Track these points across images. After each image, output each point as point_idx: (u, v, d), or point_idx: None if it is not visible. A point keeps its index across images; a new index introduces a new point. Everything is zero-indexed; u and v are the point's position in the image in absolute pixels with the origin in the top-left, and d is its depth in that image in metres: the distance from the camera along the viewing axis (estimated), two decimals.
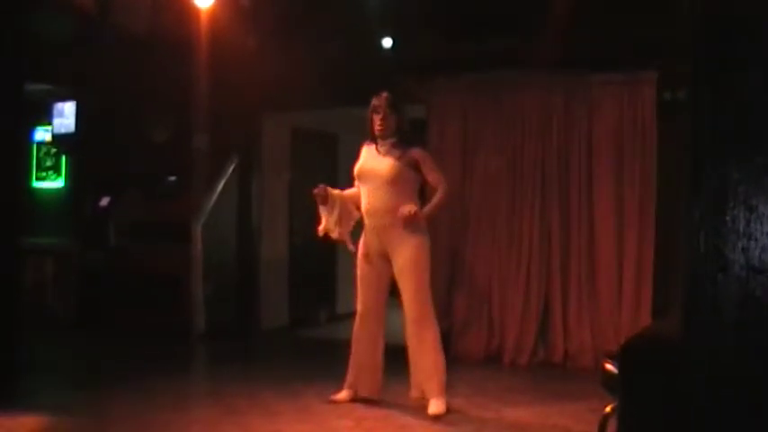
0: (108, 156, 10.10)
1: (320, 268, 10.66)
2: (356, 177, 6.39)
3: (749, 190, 1.54)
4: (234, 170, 9.80)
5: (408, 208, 5.98)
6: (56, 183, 11.40)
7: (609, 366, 3.21)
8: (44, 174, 11.42)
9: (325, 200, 6.36)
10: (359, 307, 6.38)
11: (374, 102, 6.33)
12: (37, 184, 11.45)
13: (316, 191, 6.39)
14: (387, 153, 6.24)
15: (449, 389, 6.15)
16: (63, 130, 10.80)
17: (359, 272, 6.39)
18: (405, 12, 8.60)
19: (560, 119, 8.26)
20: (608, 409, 3.33)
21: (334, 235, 6.40)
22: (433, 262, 6.36)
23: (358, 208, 6.39)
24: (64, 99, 10.75)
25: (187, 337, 9.15)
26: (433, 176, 6.24)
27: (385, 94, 6.34)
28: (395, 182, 6.12)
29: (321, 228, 6.44)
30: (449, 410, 6.02)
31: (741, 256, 1.55)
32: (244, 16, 8.85)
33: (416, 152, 6.26)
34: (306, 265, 10.45)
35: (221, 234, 9.69)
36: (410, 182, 6.21)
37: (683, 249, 1.62)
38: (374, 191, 6.21)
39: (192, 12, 8.55)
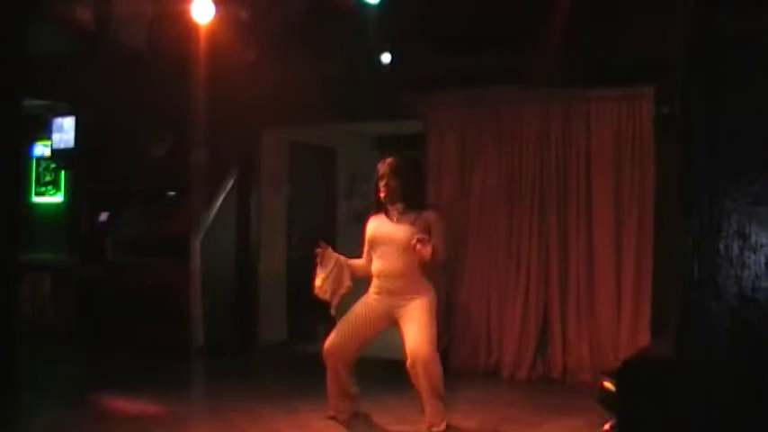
0: (107, 171, 10.12)
1: None
2: (369, 245, 6.33)
3: (742, 219, 1.55)
4: (233, 185, 9.81)
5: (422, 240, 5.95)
6: (55, 198, 11.40)
7: (607, 384, 3.21)
8: (43, 189, 11.43)
9: (324, 259, 6.25)
10: (326, 345, 6.20)
11: (379, 167, 6.35)
12: (36, 199, 11.46)
13: (317, 250, 6.28)
14: (399, 219, 6.23)
15: (448, 404, 6.14)
16: (62, 146, 10.82)
17: (351, 313, 6.29)
18: (403, 27, 8.62)
19: (558, 134, 8.27)
20: (606, 426, 3.33)
21: (326, 297, 6.31)
22: (432, 274, 6.35)
23: (353, 277, 6.34)
24: (63, 114, 10.77)
25: (185, 352, 9.14)
26: (437, 240, 6.16)
27: (389, 160, 6.35)
28: (408, 248, 6.08)
29: (316, 287, 6.34)
30: (448, 426, 6.01)
31: (734, 285, 1.55)
32: (242, 32, 8.87)
33: (430, 215, 6.24)
34: (305, 280, 10.39)
35: (220, 249, 9.69)
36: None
37: (677, 277, 1.63)
38: (388, 256, 6.18)
39: (191, 27, 8.56)
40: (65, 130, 10.80)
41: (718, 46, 1.67)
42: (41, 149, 11.29)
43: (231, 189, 9.80)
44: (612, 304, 8.03)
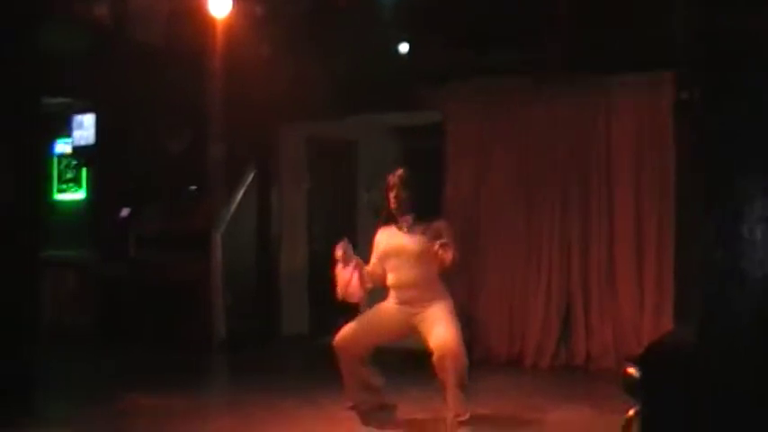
0: (128, 167, 10.17)
1: None
2: (381, 257, 6.30)
3: (765, 204, 1.55)
4: (252, 179, 9.84)
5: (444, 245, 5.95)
6: (77, 195, 11.46)
7: (630, 370, 3.20)
8: (65, 186, 11.49)
9: (346, 258, 6.17)
10: (337, 338, 6.17)
11: (389, 179, 6.35)
12: (58, 197, 11.52)
13: (339, 248, 6.18)
14: (410, 230, 6.23)
15: (471, 393, 6.14)
16: (83, 143, 10.87)
17: (369, 312, 6.28)
18: (419, 19, 8.61)
19: (578, 123, 8.24)
20: (630, 412, 3.33)
21: (354, 299, 6.25)
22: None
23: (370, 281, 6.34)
24: (83, 111, 10.81)
25: (208, 346, 9.17)
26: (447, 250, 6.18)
27: (399, 172, 6.35)
28: (424, 257, 6.09)
29: (340, 291, 6.25)
30: (472, 415, 6.01)
31: (758, 269, 1.55)
32: (259, 26, 8.88)
33: (440, 224, 6.23)
34: (325, 273, 10.42)
35: (241, 243, 9.72)
36: (434, 254, 6.18)
37: (700, 262, 1.63)
38: (403, 267, 6.17)
39: (208, 23, 8.58)
40: (85, 127, 10.85)
41: (733, 36, 1.66)
42: (62, 147, 11.34)
43: (251, 183, 9.83)
44: (635, 290, 8.01)
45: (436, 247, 5.89)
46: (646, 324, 7.85)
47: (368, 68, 8.94)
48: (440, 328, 5.94)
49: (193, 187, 9.91)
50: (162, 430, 6.01)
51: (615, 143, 8.11)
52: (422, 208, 6.27)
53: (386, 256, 6.29)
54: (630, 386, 3.18)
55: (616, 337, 8.05)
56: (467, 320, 8.27)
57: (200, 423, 6.20)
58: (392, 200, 6.28)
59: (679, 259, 7.75)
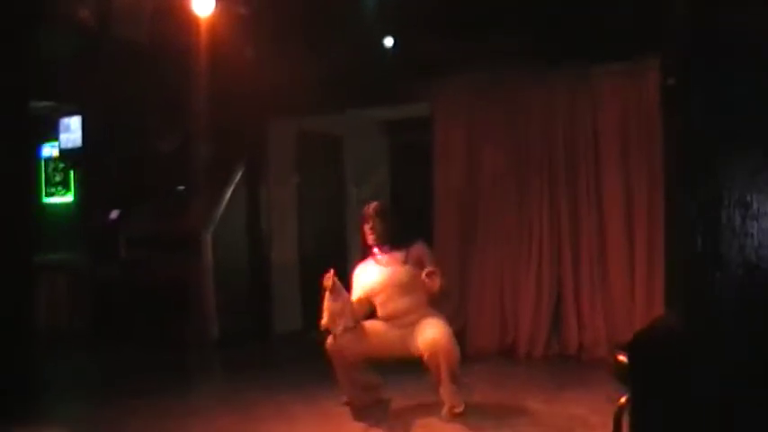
0: (115, 169, 10.15)
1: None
2: (366, 296, 6.32)
3: (743, 188, 1.56)
4: (241, 177, 9.83)
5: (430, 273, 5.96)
6: (65, 198, 11.45)
7: (621, 358, 3.21)
8: (53, 189, 11.48)
9: (334, 291, 6.09)
10: (329, 342, 6.13)
11: (365, 211, 6.41)
12: (47, 200, 11.50)
13: (326, 279, 6.11)
14: (389, 261, 6.28)
15: (465, 385, 6.16)
16: (70, 145, 10.85)
17: (366, 323, 6.31)
18: (406, 11, 8.61)
19: (565, 112, 8.26)
20: (622, 400, 3.34)
21: (338, 331, 6.12)
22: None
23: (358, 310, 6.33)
24: (69, 114, 10.79)
25: (201, 345, 9.18)
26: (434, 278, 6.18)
27: (374, 204, 6.44)
28: (408, 286, 6.14)
29: (324, 322, 6.15)
30: (466, 406, 6.04)
31: (738, 255, 1.56)
32: (244, 23, 8.87)
33: (417, 249, 6.28)
34: (317, 268, 10.42)
35: (231, 241, 9.72)
36: (420, 280, 6.20)
37: (681, 246, 1.64)
38: (391, 300, 6.24)
39: (192, 21, 8.56)
40: (71, 130, 10.83)
41: (716, 20, 1.67)
42: (50, 150, 11.32)
43: (240, 181, 9.82)
44: (626, 279, 8.04)
45: (423, 276, 5.92)
46: (638, 313, 7.86)
47: (355, 63, 8.93)
48: (429, 328, 5.98)
49: (182, 187, 9.90)
50: (158, 429, 6.01)
51: (603, 132, 8.12)
52: (399, 237, 6.31)
53: (372, 294, 6.31)
54: (622, 374, 3.18)
55: (608, 327, 8.07)
56: (459, 312, 8.34)
57: (195, 421, 6.21)
58: (368, 231, 6.32)
59: (669, 247, 7.77)
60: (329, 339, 6.16)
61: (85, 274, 10.32)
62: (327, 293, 6.11)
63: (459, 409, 5.98)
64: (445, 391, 5.97)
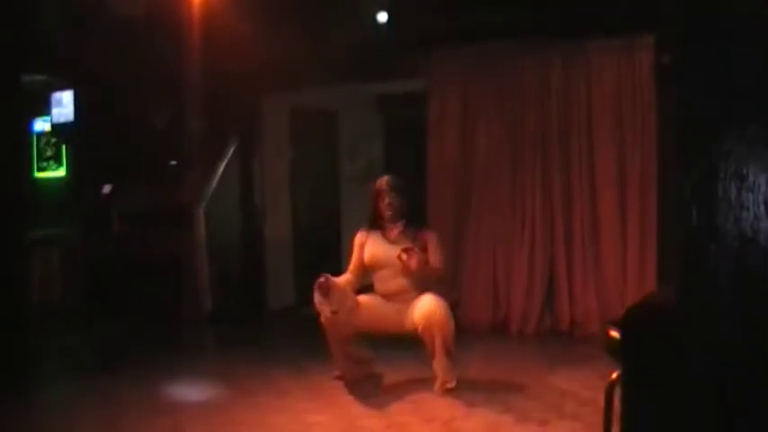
0: (108, 143, 10.10)
1: (324, 245, 10.67)
2: (369, 266, 6.34)
3: (740, 160, 1.55)
4: (234, 152, 9.81)
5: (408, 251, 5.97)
6: (57, 172, 11.41)
7: (613, 333, 3.22)
8: (45, 164, 11.43)
9: (327, 292, 6.05)
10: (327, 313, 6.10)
11: (376, 185, 6.34)
12: (39, 175, 11.46)
13: (319, 283, 6.05)
14: (397, 239, 6.24)
15: (457, 360, 6.18)
16: (62, 120, 10.79)
17: (364, 297, 6.33)
18: None
19: (559, 88, 8.25)
20: (614, 375, 3.35)
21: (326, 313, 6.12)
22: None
23: (354, 291, 6.35)
24: (62, 89, 10.73)
25: (194, 320, 9.18)
26: (435, 257, 6.18)
27: (387, 178, 6.37)
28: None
29: (328, 318, 6.09)
30: (458, 381, 6.05)
31: (734, 227, 1.56)
32: None
33: (427, 235, 6.26)
34: (310, 244, 10.47)
35: (225, 216, 9.71)
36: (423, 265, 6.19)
37: (677, 221, 1.63)
38: (390, 279, 6.24)
39: None
40: (64, 105, 10.77)
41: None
42: (42, 125, 11.27)
43: (233, 156, 9.80)
44: (618, 255, 8.05)
45: (398, 252, 5.91)
46: (630, 289, 7.89)
47: (350, 38, 8.89)
48: (425, 302, 5.98)
49: (174, 162, 9.88)
50: (149, 402, 6.01)
51: (597, 108, 8.11)
52: (414, 214, 6.29)
53: (372, 266, 6.30)
54: (613, 349, 3.20)
55: (600, 303, 8.09)
56: (452, 287, 8.33)
57: (189, 394, 6.22)
58: (384, 207, 6.26)
59: (662, 222, 7.79)
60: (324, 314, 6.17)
61: (78, 250, 10.29)
62: (319, 292, 6.06)
63: (451, 385, 6.00)
64: (438, 365, 5.98)
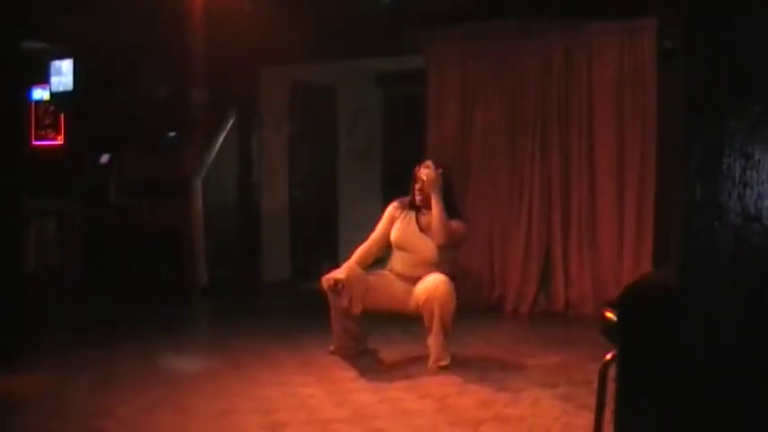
0: (107, 113, 10.08)
1: (321, 220, 10.68)
2: (394, 244, 6.33)
3: (745, 138, 1.55)
4: (233, 124, 9.79)
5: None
6: (55, 141, 11.37)
7: (609, 314, 3.22)
8: (43, 132, 11.39)
9: (341, 292, 6.06)
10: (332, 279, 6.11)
11: (416, 170, 6.31)
12: (36, 143, 11.42)
13: (330, 287, 6.06)
14: (428, 227, 6.20)
15: (452, 338, 6.19)
16: (61, 89, 10.76)
17: (374, 275, 6.33)
18: None
19: (560, 67, 8.23)
20: (608, 356, 3.35)
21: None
22: None
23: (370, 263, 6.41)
24: (61, 57, 10.69)
25: (190, 292, 9.19)
26: (450, 225, 6.14)
27: (428, 162, 6.32)
28: (436, 263, 6.15)
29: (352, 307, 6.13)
30: (452, 360, 6.07)
31: (737, 204, 1.55)
32: None
33: (457, 226, 6.21)
34: (307, 218, 10.48)
35: (222, 189, 9.71)
36: (448, 261, 6.25)
37: (680, 198, 1.63)
38: (410, 263, 6.23)
39: None
40: (63, 73, 10.74)
41: None
42: (40, 93, 11.22)
43: (232, 129, 9.78)
44: (614, 237, 8.07)
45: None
46: (625, 271, 7.91)
47: (350, 13, 8.85)
48: (431, 277, 5.99)
49: (173, 133, 9.85)
50: (143, 372, 6.03)
51: (597, 89, 8.11)
52: (449, 204, 6.25)
53: (397, 245, 6.30)
54: (609, 330, 3.20)
55: (595, 284, 8.12)
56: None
57: (185, 366, 6.23)
58: (417, 192, 6.24)
59: (659, 206, 7.79)
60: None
61: (75, 219, 10.28)
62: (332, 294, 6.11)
63: (444, 362, 6.02)
64: (433, 342, 6.00)
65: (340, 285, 6.02)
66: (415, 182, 6.27)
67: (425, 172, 6.17)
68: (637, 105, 7.92)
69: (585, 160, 8.16)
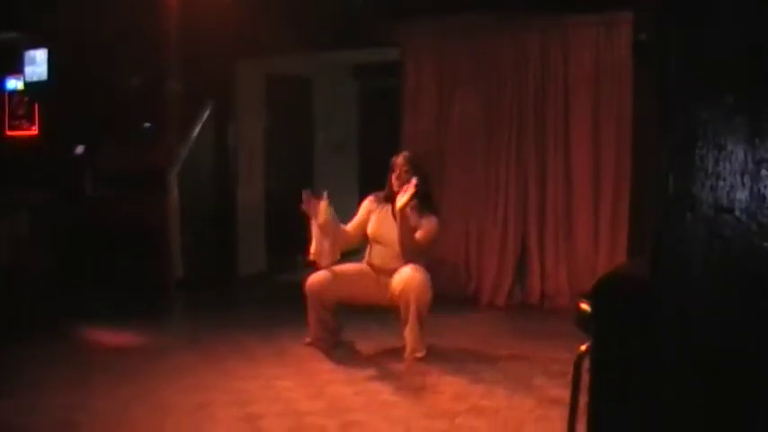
0: (82, 103, 10.00)
1: (297, 213, 10.61)
2: (371, 237, 6.35)
3: (717, 129, 1.55)
4: (209, 116, 9.74)
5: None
6: (29, 132, 11.28)
7: (583, 306, 3.23)
8: (17, 123, 11.29)
9: (314, 213, 6.15)
10: (309, 282, 6.23)
11: (394, 160, 6.30)
12: (10, 134, 11.33)
13: (304, 201, 6.16)
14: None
15: (428, 330, 6.19)
16: (35, 78, 10.68)
17: (347, 265, 6.37)
18: None
19: (536, 61, 8.24)
20: (583, 348, 3.37)
21: (323, 263, 6.26)
22: None
23: (346, 240, 6.40)
24: (35, 47, 10.60)
25: (166, 285, 9.15)
26: (423, 232, 6.16)
27: (404, 153, 6.35)
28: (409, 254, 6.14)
29: (312, 252, 6.25)
30: (428, 351, 6.08)
31: (709, 195, 1.56)
32: None
33: (428, 221, 6.19)
34: (283, 211, 10.43)
35: (198, 181, 9.66)
36: (424, 253, 6.24)
37: (653, 189, 1.64)
38: (386, 255, 6.24)
39: None
40: (37, 63, 10.66)
41: None
42: (14, 83, 11.13)
43: (208, 121, 9.73)
44: (590, 230, 8.09)
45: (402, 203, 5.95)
46: (601, 263, 7.94)
47: (326, 5, 8.83)
48: (406, 269, 6.00)
49: (148, 124, 9.80)
50: (118, 367, 6.00)
51: (573, 83, 8.12)
52: (426, 195, 6.25)
53: (373, 239, 6.31)
54: (583, 322, 3.21)
55: (571, 277, 8.15)
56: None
57: (160, 359, 6.20)
58: (395, 181, 6.24)
59: (634, 200, 7.82)
60: (309, 279, 6.24)
61: (49, 211, 10.20)
62: (318, 227, 6.16)
63: (420, 354, 6.03)
64: (409, 334, 6.00)
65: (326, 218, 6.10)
66: (392, 171, 6.28)
67: (403, 186, 6.14)
68: (613, 98, 7.94)
69: (561, 153, 8.18)
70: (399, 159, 6.29)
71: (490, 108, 8.40)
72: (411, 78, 8.75)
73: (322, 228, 6.18)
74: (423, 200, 6.21)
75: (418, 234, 6.13)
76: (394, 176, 6.26)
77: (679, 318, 1.68)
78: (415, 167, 6.24)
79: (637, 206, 7.77)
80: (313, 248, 6.27)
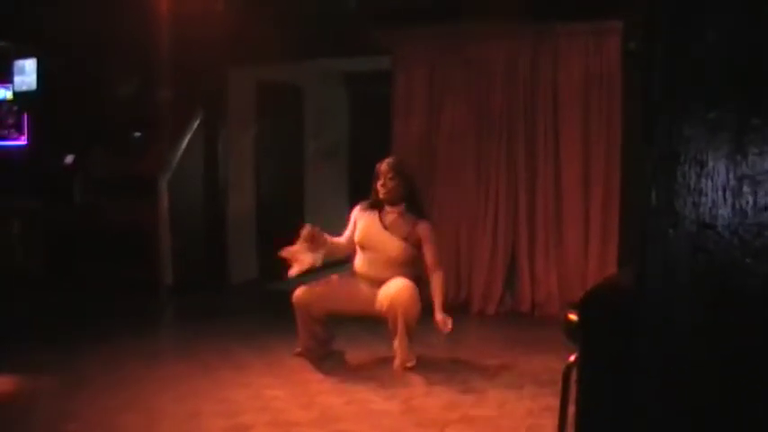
0: (71, 112, 9.98)
1: (288, 221, 10.63)
2: (358, 244, 6.31)
3: (700, 146, 1.56)
4: (200, 124, 9.73)
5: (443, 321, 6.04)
6: (18, 141, 11.24)
7: (572, 316, 3.24)
8: (6, 132, 11.26)
9: (312, 244, 6.15)
10: (296, 295, 6.24)
11: (378, 167, 6.29)
12: None
13: (305, 233, 6.14)
14: (393, 226, 6.20)
15: (418, 339, 6.19)
16: (24, 88, 10.65)
17: (335, 277, 6.37)
18: None
19: (526, 69, 8.25)
20: (572, 358, 3.37)
21: (294, 271, 6.22)
22: None
23: (329, 255, 6.38)
24: (25, 56, 10.58)
25: (156, 292, 9.13)
26: (430, 255, 6.19)
27: (389, 159, 6.33)
28: (397, 261, 6.15)
29: (293, 271, 6.20)
30: (418, 360, 6.08)
31: (692, 212, 1.57)
32: None
33: (422, 229, 6.20)
34: (274, 218, 10.44)
35: (188, 188, 9.64)
36: (414, 260, 6.22)
37: (637, 204, 1.64)
38: (375, 263, 6.21)
39: None
40: (27, 73, 10.63)
41: None
42: (3, 92, 11.10)
43: (198, 128, 9.72)
44: (580, 238, 8.10)
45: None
46: (591, 272, 7.95)
47: (316, 13, 8.84)
48: (394, 283, 6.00)
49: (138, 133, 9.78)
50: (107, 373, 5.99)
51: (563, 91, 8.13)
52: (413, 200, 6.26)
53: (361, 245, 6.28)
54: (571, 332, 3.21)
55: (561, 285, 8.15)
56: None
57: (150, 368, 6.19)
58: (380, 188, 6.23)
59: (624, 208, 7.84)
60: (297, 291, 6.23)
61: (39, 219, 10.18)
62: (304, 243, 6.14)
63: (410, 364, 6.03)
64: (399, 345, 6.01)
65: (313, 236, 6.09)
66: (377, 178, 6.27)
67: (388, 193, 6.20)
68: (602, 107, 7.96)
69: (551, 160, 8.19)
70: (383, 166, 6.27)
71: (480, 116, 8.41)
72: (402, 86, 8.76)
73: (312, 245, 6.15)
74: (410, 203, 6.22)
75: (428, 260, 6.14)
76: (379, 184, 6.25)
77: (663, 332, 1.68)
78: (399, 173, 6.24)
79: (627, 213, 7.79)
80: (296, 267, 6.21)
